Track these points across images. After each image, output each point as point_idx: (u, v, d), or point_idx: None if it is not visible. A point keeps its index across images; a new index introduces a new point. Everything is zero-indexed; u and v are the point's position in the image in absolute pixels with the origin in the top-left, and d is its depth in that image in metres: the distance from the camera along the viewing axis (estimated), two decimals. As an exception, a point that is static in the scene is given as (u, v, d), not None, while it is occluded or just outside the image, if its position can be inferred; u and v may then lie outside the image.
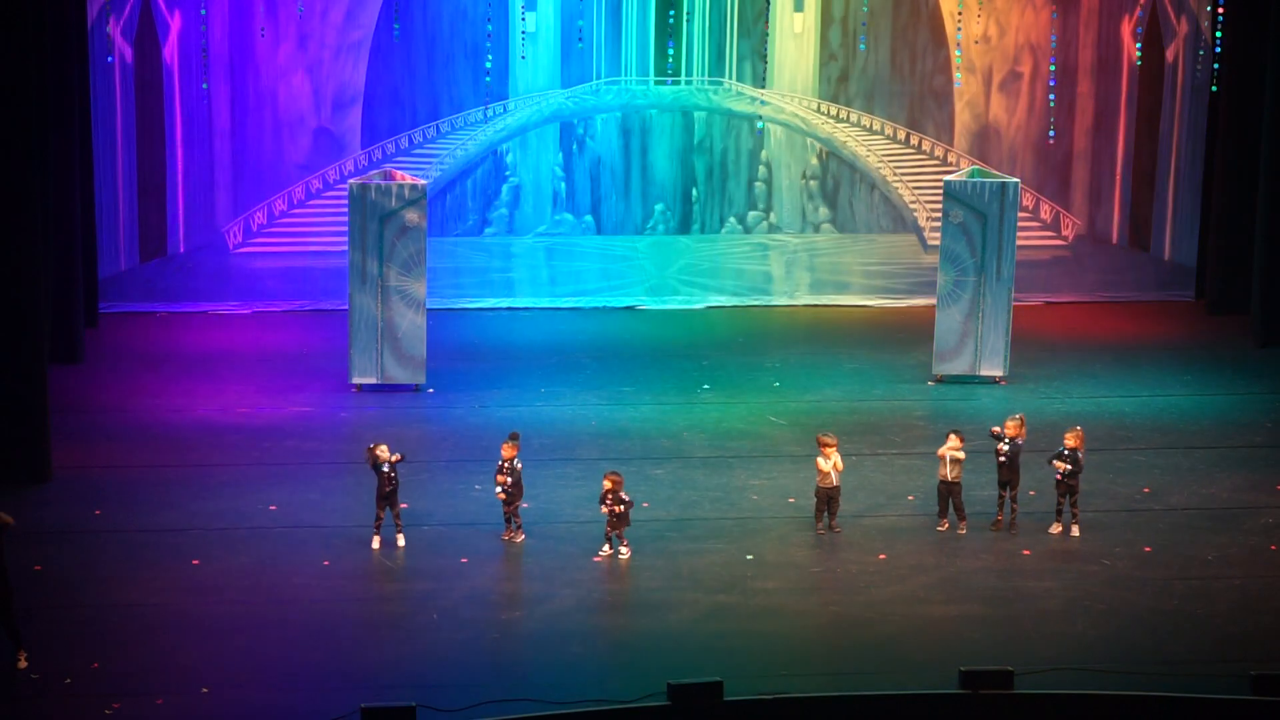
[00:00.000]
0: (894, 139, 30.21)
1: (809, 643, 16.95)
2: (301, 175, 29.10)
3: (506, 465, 19.04)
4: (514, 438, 19.27)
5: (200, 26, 28.17)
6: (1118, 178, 30.47)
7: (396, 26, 28.68)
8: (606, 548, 18.80)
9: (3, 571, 15.81)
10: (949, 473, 19.52)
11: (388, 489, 18.81)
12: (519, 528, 19.22)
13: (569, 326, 28.57)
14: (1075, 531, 19.52)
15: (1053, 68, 29.94)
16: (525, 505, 19.63)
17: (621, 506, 18.65)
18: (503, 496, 19.04)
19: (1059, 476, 19.46)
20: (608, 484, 18.70)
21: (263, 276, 29.11)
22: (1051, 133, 30.08)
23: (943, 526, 19.63)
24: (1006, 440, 19.51)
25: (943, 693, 15.67)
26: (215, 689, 15.62)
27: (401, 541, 18.88)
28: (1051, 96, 30.02)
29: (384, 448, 18.85)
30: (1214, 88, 28.94)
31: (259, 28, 28.45)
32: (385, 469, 18.78)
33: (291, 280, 29.14)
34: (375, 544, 18.85)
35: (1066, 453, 19.43)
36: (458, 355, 26.28)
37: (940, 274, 25.07)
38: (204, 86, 28.32)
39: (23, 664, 15.86)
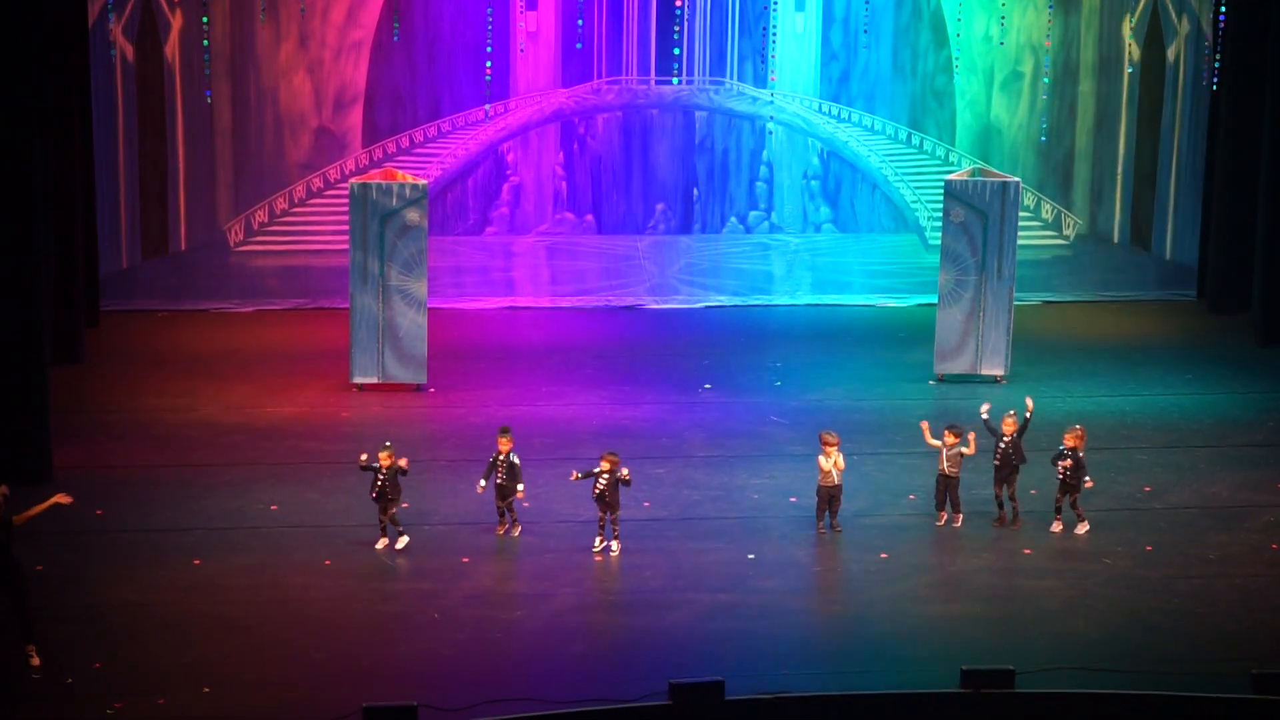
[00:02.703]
0: (895, 138, 30.22)
1: (810, 642, 16.95)
2: (302, 174, 29.11)
3: (501, 459, 19.04)
4: (505, 431, 19.25)
5: (202, 25, 28.17)
6: (1119, 177, 30.47)
7: (396, 25, 28.68)
8: (599, 539, 18.80)
9: (14, 564, 15.84)
10: (947, 467, 19.55)
11: (374, 495, 18.78)
12: (515, 521, 19.22)
13: (570, 326, 28.58)
14: (1080, 530, 19.51)
15: (1047, 65, 29.94)
16: (526, 504, 19.64)
17: (605, 483, 18.55)
18: (482, 489, 19.04)
19: (1060, 476, 19.47)
20: (606, 465, 18.68)
21: (264, 275, 29.12)
22: (1043, 137, 30.05)
23: (940, 521, 19.66)
24: (1005, 438, 19.55)
25: (944, 692, 15.68)
26: (217, 689, 15.63)
27: (404, 540, 18.85)
28: (1045, 95, 30.02)
29: (384, 455, 18.78)
30: (1214, 83, 28.90)
31: (260, 26, 28.44)
32: (380, 473, 18.73)
33: (292, 279, 29.16)
34: (380, 544, 18.84)
35: (1067, 452, 19.44)
36: (459, 354, 26.28)
37: (941, 273, 25.08)
38: (207, 98, 28.30)
39: (35, 661, 15.86)
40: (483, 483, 19.18)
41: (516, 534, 19.16)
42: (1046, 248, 30.46)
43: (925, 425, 20.06)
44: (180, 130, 28.61)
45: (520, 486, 19.12)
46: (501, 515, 19.23)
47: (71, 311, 25.30)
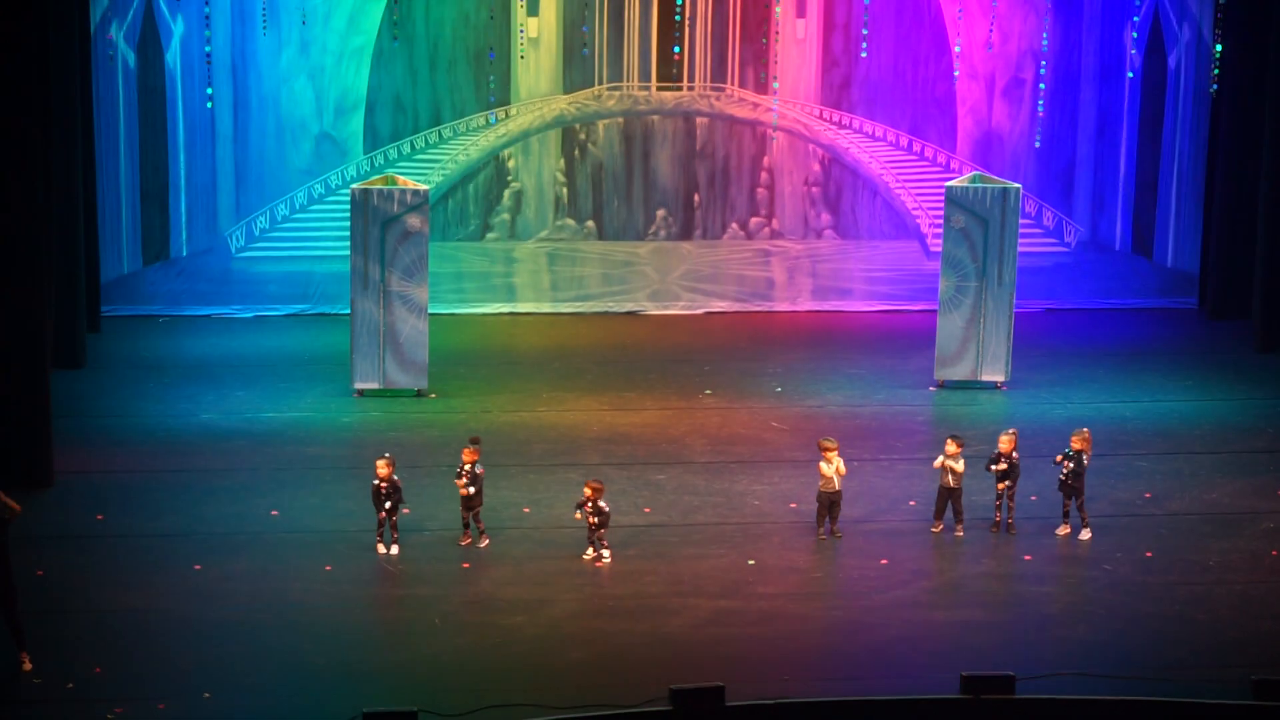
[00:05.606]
0: (896, 145, 30.24)
1: (810, 647, 16.95)
2: (304, 180, 29.13)
3: (466, 469, 18.98)
4: (474, 442, 19.22)
5: (203, 31, 28.20)
6: (1120, 184, 30.49)
7: (396, 30, 28.68)
8: (590, 550, 18.80)
9: (6, 571, 15.84)
10: (950, 478, 19.55)
11: (383, 508, 18.79)
12: (482, 532, 19.16)
13: (571, 332, 28.59)
14: (1085, 535, 19.51)
15: (1043, 71, 29.98)
16: (526, 510, 19.62)
17: (598, 518, 18.63)
18: (467, 493, 19.01)
19: (1062, 477, 19.48)
20: (588, 491, 18.69)
21: (265, 281, 29.14)
22: (1037, 143, 30.08)
23: (936, 529, 19.66)
24: (1004, 459, 19.53)
25: (944, 697, 15.68)
26: (217, 694, 15.63)
27: (395, 550, 18.84)
28: (1040, 102, 30.05)
29: (382, 463, 18.77)
30: (1215, 91, 28.89)
31: (261, 32, 28.46)
32: (382, 490, 18.74)
33: (293, 285, 29.18)
34: (380, 549, 18.84)
35: (1071, 454, 19.45)
36: (460, 360, 26.30)
37: (942, 279, 25.08)
38: (208, 102, 28.33)
39: (27, 666, 15.88)
40: (459, 480, 19.08)
41: (484, 545, 19.08)
42: (1048, 255, 30.48)
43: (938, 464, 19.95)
44: (181, 136, 28.63)
45: (468, 491, 18.98)
46: (466, 526, 19.17)
47: (73, 316, 25.31)
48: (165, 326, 28.28)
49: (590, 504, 18.63)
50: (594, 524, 18.66)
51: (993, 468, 19.61)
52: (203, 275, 29.03)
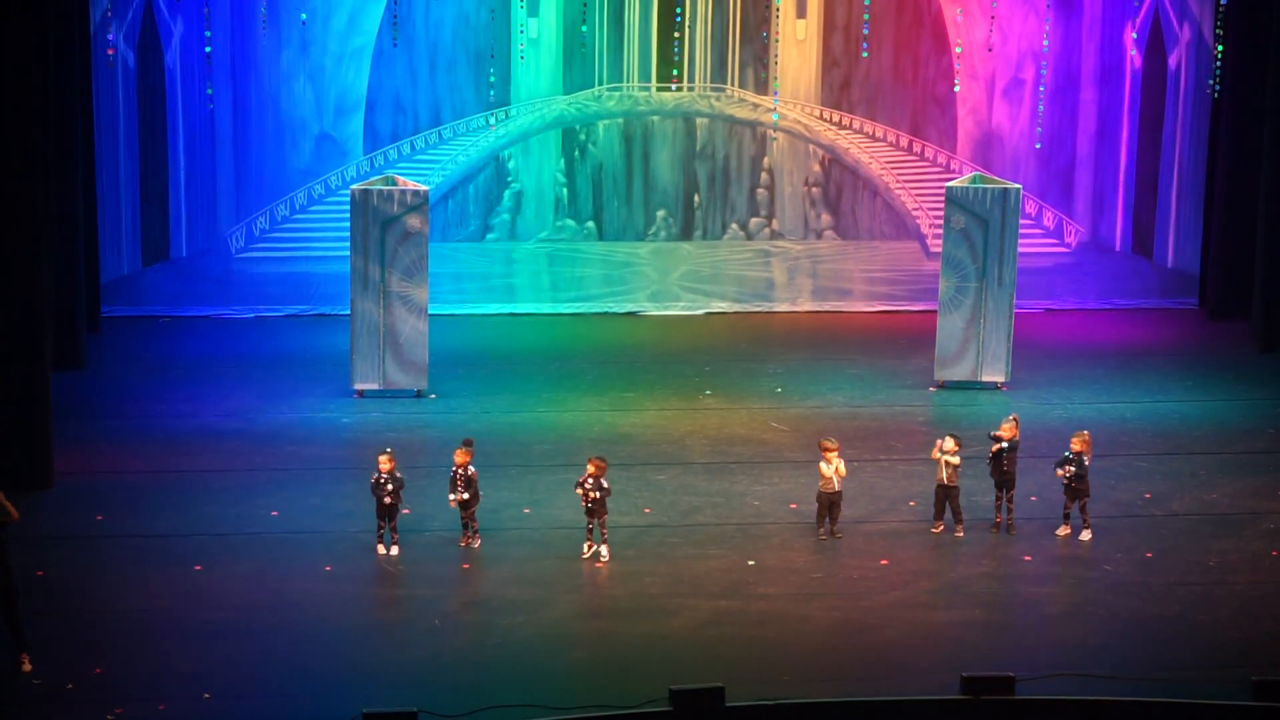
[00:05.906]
0: (897, 146, 30.23)
1: (810, 648, 16.94)
2: (304, 180, 29.13)
3: (460, 471, 18.96)
4: (467, 444, 19.20)
5: (203, 32, 28.20)
6: (1120, 184, 30.49)
7: (395, 31, 28.69)
8: (588, 545, 18.79)
9: (6, 571, 15.84)
10: (945, 476, 19.55)
11: (384, 501, 18.77)
12: (475, 533, 19.14)
13: (571, 332, 28.59)
14: (1085, 535, 19.51)
15: (1043, 72, 29.98)
16: (526, 511, 19.58)
17: (598, 493, 18.61)
18: (456, 502, 18.98)
19: (1065, 481, 19.48)
20: (591, 468, 18.67)
21: (265, 281, 29.14)
22: (1038, 143, 30.08)
23: (937, 529, 19.66)
24: (1005, 441, 19.55)
25: (944, 698, 15.67)
26: (217, 694, 15.62)
27: (395, 550, 18.83)
28: (1041, 104, 30.05)
29: (384, 458, 18.78)
30: (1215, 91, 28.89)
31: (261, 33, 28.47)
32: (382, 481, 18.72)
33: (293, 285, 29.18)
34: (380, 550, 18.84)
35: (1071, 456, 19.44)
36: (460, 361, 26.29)
37: (942, 280, 25.08)
38: (209, 102, 28.32)
39: (26, 667, 15.88)
40: (452, 496, 19.07)
41: (477, 545, 19.07)
42: (1048, 255, 30.48)
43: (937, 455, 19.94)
44: (181, 136, 28.64)
45: (462, 497, 19.03)
46: (465, 527, 19.15)
47: (73, 317, 25.31)
48: (165, 327, 28.28)
49: (591, 479, 18.62)
50: (594, 499, 18.61)
51: (993, 434, 19.61)
52: (203, 276, 29.04)
